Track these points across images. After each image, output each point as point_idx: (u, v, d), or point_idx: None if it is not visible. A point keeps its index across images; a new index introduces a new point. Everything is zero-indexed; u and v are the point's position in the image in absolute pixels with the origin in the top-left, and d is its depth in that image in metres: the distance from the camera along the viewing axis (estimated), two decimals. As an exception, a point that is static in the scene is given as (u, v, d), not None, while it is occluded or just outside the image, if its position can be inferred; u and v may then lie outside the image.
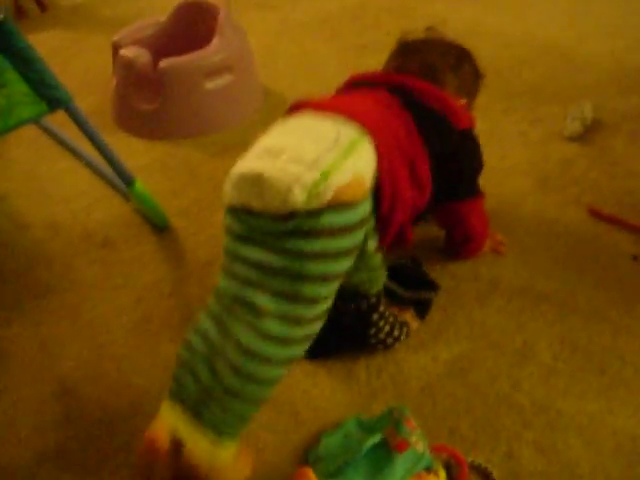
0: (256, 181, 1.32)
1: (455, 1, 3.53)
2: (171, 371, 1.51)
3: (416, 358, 1.66)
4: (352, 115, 1.43)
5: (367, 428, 1.47)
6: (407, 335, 1.69)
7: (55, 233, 2.15)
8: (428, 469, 1.37)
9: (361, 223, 1.37)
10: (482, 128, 2.37)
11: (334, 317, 1.60)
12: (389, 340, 1.66)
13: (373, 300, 1.63)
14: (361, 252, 1.44)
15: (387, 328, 1.64)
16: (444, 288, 1.81)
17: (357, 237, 1.38)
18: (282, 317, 1.32)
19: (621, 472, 1.40)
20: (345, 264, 1.37)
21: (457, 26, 3.19)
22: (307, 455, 1.46)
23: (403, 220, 1.53)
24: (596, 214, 2.02)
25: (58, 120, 2.37)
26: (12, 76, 1.77)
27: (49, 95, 1.81)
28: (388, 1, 3.59)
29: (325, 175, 1.28)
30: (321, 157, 1.30)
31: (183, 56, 2.46)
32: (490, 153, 2.26)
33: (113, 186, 2.28)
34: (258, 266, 1.35)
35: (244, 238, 1.38)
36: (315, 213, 1.30)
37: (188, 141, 2.52)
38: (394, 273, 1.75)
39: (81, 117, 1.89)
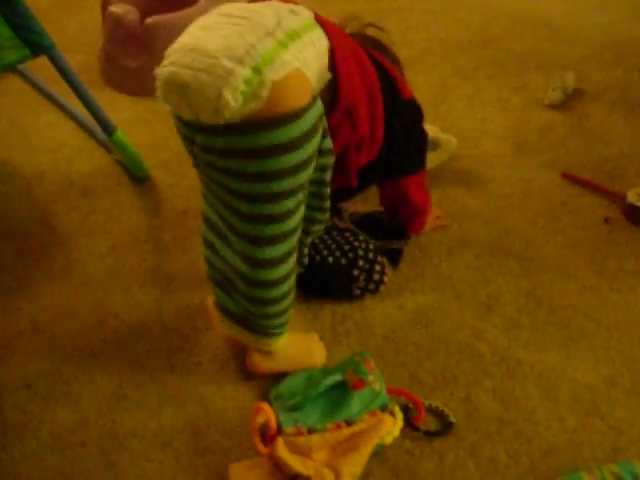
0: (182, 90, 1.15)
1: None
2: (140, 313, 1.68)
3: (382, 306, 1.69)
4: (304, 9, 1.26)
5: (330, 372, 1.50)
6: (385, 274, 1.71)
7: (37, 182, 2.17)
8: (384, 408, 1.40)
9: (312, 133, 1.21)
10: (465, 92, 2.43)
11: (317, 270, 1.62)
12: (371, 286, 1.69)
13: (351, 255, 1.67)
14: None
15: (363, 276, 1.68)
16: (415, 242, 1.83)
17: (308, 149, 1.23)
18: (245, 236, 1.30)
19: (576, 421, 1.44)
20: (301, 178, 1.25)
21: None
22: (269, 392, 1.49)
23: (350, 143, 1.44)
24: (570, 178, 2.05)
25: (45, 75, 2.39)
26: (-4, 20, 1.78)
27: (32, 40, 1.82)
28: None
29: (257, 69, 1.12)
30: (254, 48, 1.12)
31: (170, 14, 2.47)
32: (471, 116, 2.31)
33: (96, 138, 2.30)
34: (211, 179, 1.31)
35: (191, 143, 1.29)
36: (252, 128, 1.16)
37: (172, 98, 2.53)
38: (366, 223, 1.78)
39: (63, 64, 1.90)
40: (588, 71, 2.55)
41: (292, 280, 1.41)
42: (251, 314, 1.42)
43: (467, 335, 1.62)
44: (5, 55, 1.82)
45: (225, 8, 1.25)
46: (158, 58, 2.45)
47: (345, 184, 1.54)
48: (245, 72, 1.11)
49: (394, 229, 1.80)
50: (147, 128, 2.37)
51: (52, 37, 1.84)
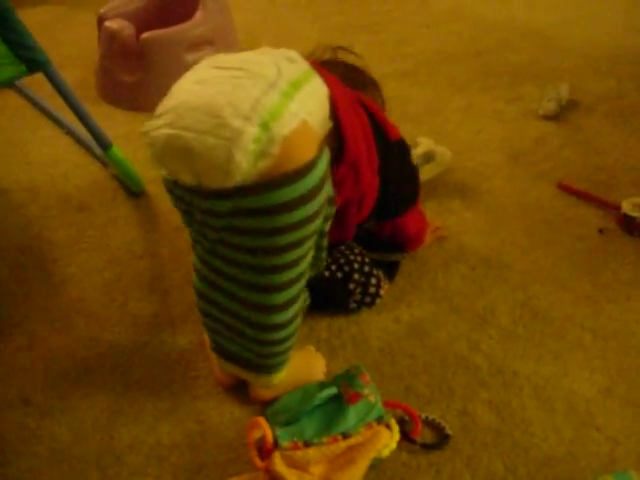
0: (184, 154, 1.08)
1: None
2: (137, 327, 1.67)
3: (378, 319, 1.69)
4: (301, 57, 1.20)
5: (325, 386, 1.49)
6: (382, 287, 1.71)
7: (34, 197, 2.18)
8: (379, 420, 1.39)
9: (321, 184, 1.14)
10: (460, 104, 2.44)
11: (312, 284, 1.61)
12: (367, 299, 1.69)
13: (346, 269, 1.67)
14: None
15: (359, 289, 1.68)
16: (411, 255, 1.83)
17: (318, 201, 1.16)
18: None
19: (573, 432, 1.43)
20: (311, 229, 1.19)
21: (439, 9, 3.24)
22: (265, 409, 1.49)
23: (352, 198, 1.46)
24: (565, 188, 2.05)
25: (43, 91, 2.40)
26: (-8, 37, 1.79)
27: (28, 57, 1.83)
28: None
29: (265, 125, 1.04)
30: (259, 102, 1.05)
31: (165, 29, 2.49)
32: (465, 128, 2.32)
33: (92, 153, 2.31)
34: (206, 236, 1.26)
35: (187, 204, 1.22)
36: (262, 188, 1.09)
37: (168, 113, 2.54)
38: (361, 236, 1.78)
39: (59, 80, 1.91)
40: (582, 82, 2.57)
41: (300, 319, 1.39)
42: (256, 355, 1.39)
43: (463, 347, 1.62)
44: (1, 72, 1.83)
45: (217, 59, 1.19)
46: (154, 73, 2.50)
47: (342, 238, 1.58)
48: (254, 130, 1.04)
49: (389, 242, 1.80)
50: (143, 142, 2.36)
51: (48, 53, 1.86)
